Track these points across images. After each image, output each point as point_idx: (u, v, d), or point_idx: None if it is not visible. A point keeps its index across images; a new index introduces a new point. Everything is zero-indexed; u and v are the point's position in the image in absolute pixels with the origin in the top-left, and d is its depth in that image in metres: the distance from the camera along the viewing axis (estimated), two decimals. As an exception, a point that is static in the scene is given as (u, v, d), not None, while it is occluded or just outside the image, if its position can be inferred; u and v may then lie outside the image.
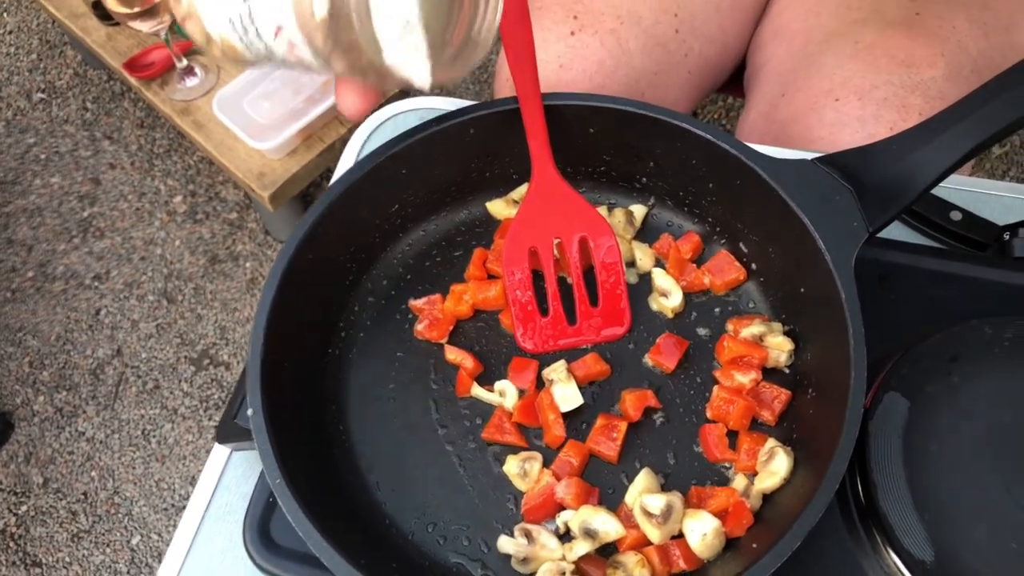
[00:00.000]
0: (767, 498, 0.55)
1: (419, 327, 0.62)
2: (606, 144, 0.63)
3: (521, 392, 0.59)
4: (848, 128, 0.84)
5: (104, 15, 1.65)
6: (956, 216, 0.69)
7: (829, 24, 0.91)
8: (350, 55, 0.39)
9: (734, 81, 1.06)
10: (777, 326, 0.60)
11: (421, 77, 0.39)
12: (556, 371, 0.58)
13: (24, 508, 1.59)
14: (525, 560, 0.54)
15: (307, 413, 0.58)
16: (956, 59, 0.86)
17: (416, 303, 0.63)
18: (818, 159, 0.58)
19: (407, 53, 0.38)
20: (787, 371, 0.59)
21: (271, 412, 0.52)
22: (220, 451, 0.65)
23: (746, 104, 0.99)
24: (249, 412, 0.52)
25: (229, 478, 0.64)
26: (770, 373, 0.59)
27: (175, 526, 1.52)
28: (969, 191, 0.71)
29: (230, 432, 0.61)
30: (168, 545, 1.51)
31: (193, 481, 1.58)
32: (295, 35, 0.38)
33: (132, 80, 1.64)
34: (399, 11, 0.37)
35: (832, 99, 0.85)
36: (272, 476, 0.50)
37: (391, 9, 0.37)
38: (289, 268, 0.57)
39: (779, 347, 0.58)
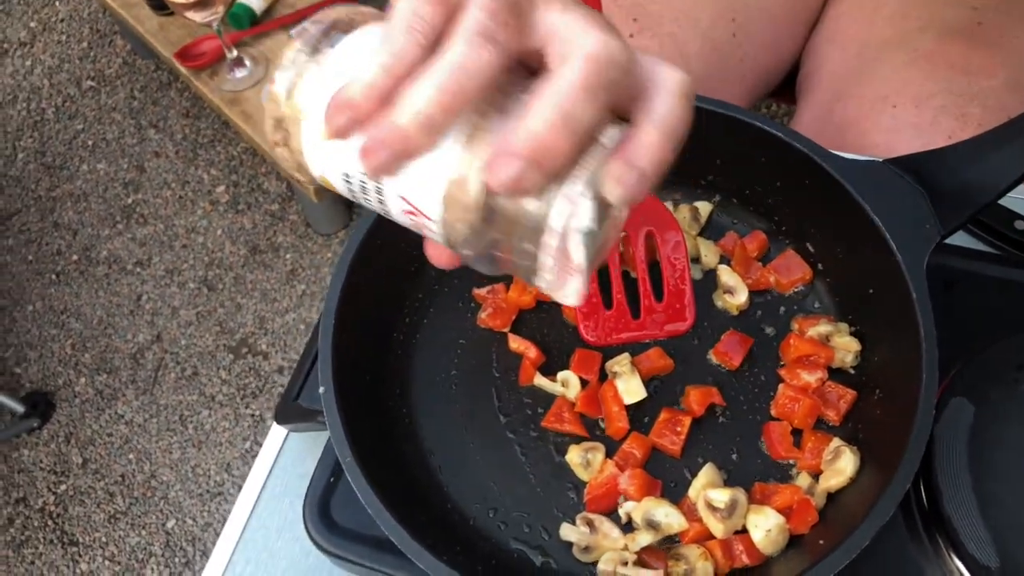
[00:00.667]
0: (830, 497, 0.55)
1: (482, 315, 0.63)
2: (674, 140, 0.63)
3: (584, 383, 0.59)
4: (904, 135, 0.83)
5: (157, 4, 1.68)
6: (1020, 225, 0.69)
7: (885, 31, 0.91)
8: (485, 259, 0.38)
9: (784, 87, 1.06)
10: (844, 326, 0.60)
11: (570, 300, 0.38)
12: (620, 364, 0.59)
13: (63, 487, 1.62)
14: (587, 549, 0.54)
15: (372, 395, 0.59)
16: (1017, 69, 0.85)
17: (480, 292, 0.64)
18: (889, 161, 0.58)
19: (565, 286, 0.37)
20: (853, 372, 0.59)
21: (340, 390, 0.53)
22: (277, 432, 0.66)
23: (798, 109, 0.99)
24: (321, 390, 0.53)
25: (286, 459, 0.65)
26: (835, 373, 0.59)
27: (210, 511, 1.55)
28: (1034, 201, 0.71)
29: (290, 413, 0.62)
30: (202, 530, 1.53)
31: (229, 468, 1.60)
32: (429, 223, 0.37)
33: (182, 69, 1.66)
34: (579, 261, 0.36)
35: (889, 105, 0.85)
36: (343, 454, 0.51)
37: (569, 257, 0.36)
38: (359, 253, 0.57)
39: (846, 347, 0.58)
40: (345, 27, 0.37)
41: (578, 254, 0.35)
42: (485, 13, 0.33)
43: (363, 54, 0.36)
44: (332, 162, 0.37)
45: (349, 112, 0.34)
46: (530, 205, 0.35)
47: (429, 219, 0.36)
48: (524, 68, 0.36)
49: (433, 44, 0.34)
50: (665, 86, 0.36)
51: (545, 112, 0.33)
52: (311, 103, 0.36)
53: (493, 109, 0.35)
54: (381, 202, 0.38)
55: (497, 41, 0.33)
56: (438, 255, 0.41)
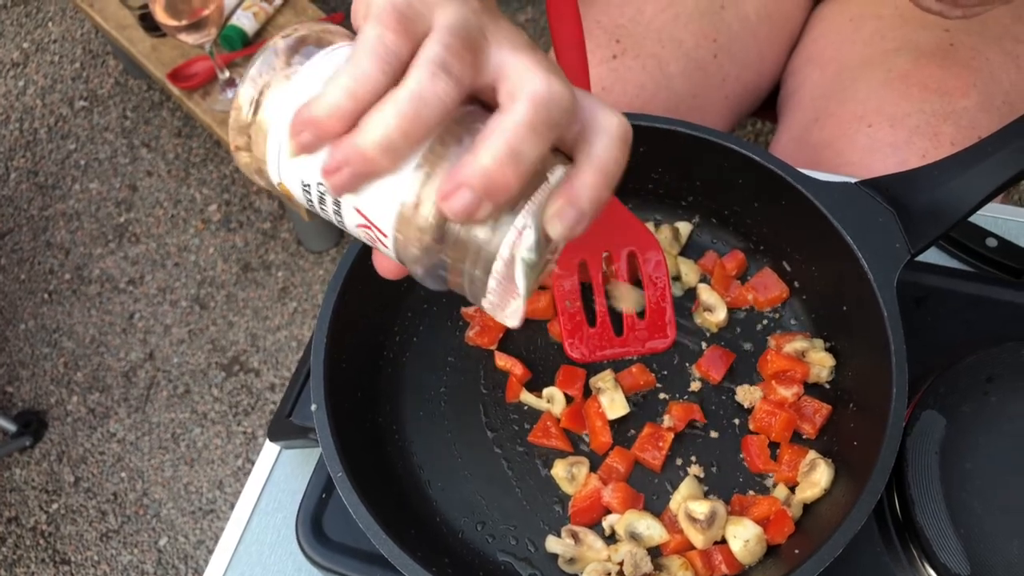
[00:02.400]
0: (807, 508, 0.56)
1: (470, 333, 0.64)
2: (655, 163, 0.65)
3: (569, 399, 0.61)
4: (880, 154, 0.85)
5: (150, 27, 1.70)
6: (991, 243, 0.71)
7: (863, 52, 0.93)
8: (432, 276, 0.40)
9: (766, 106, 1.08)
10: (819, 342, 0.62)
11: (512, 322, 0.41)
12: (604, 380, 0.61)
13: (55, 506, 1.62)
14: (572, 560, 0.56)
15: (363, 411, 0.60)
16: (988, 90, 0.87)
17: (468, 310, 0.65)
18: (861, 182, 0.60)
19: (506, 308, 0.40)
20: (828, 386, 0.61)
21: (332, 408, 0.55)
22: (270, 449, 0.68)
23: (778, 128, 1.01)
24: (313, 408, 0.54)
25: (278, 475, 0.67)
26: (811, 388, 0.61)
27: (202, 529, 1.55)
28: (1005, 219, 0.73)
29: (283, 430, 0.63)
30: (194, 548, 1.54)
31: (221, 485, 1.61)
32: (382, 238, 0.39)
33: (175, 90, 1.68)
34: (521, 287, 0.39)
35: (865, 125, 0.87)
36: (334, 470, 0.52)
37: (513, 282, 0.38)
38: (350, 273, 0.59)
39: (821, 363, 0.60)
40: (315, 44, 0.39)
41: (521, 280, 0.38)
42: (443, 47, 0.36)
43: (330, 73, 0.37)
44: (292, 172, 0.39)
45: (313, 129, 0.36)
46: (480, 232, 0.37)
47: (383, 235, 0.39)
48: (480, 103, 0.39)
49: (397, 72, 0.36)
50: (605, 129, 0.38)
51: (494, 147, 0.35)
52: (276, 115, 0.38)
53: (451, 138, 0.37)
54: (337, 213, 0.40)
55: (452, 74, 0.36)
56: (386, 266, 0.44)
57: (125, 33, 1.77)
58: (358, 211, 0.38)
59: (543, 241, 0.38)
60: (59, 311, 1.81)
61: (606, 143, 0.38)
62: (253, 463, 1.61)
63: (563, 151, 0.39)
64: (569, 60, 0.60)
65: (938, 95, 0.86)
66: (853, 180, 0.60)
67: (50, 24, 2.17)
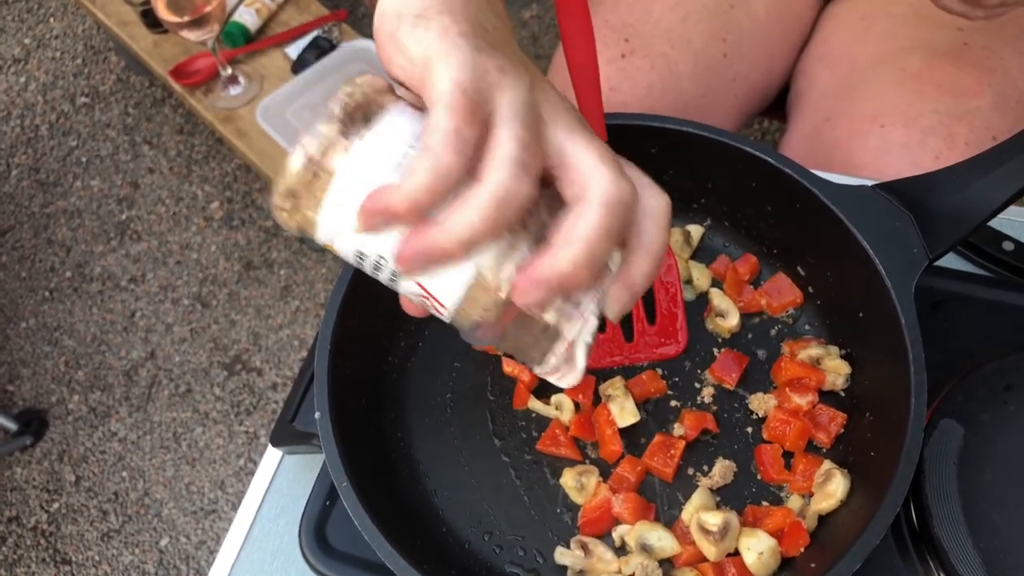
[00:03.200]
0: (822, 520, 0.55)
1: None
2: (666, 164, 0.64)
3: (577, 406, 0.60)
4: (893, 155, 0.84)
5: (152, 23, 1.69)
6: (1008, 246, 0.70)
7: (874, 51, 0.92)
8: (488, 339, 0.41)
9: (776, 105, 1.07)
10: (834, 349, 0.60)
11: (564, 385, 0.44)
12: (614, 387, 0.59)
13: (56, 506, 1.61)
14: (581, 572, 0.54)
15: (368, 418, 0.59)
16: (1003, 90, 0.86)
17: (474, 315, 0.64)
18: (877, 186, 0.59)
19: (557, 374, 0.43)
20: (843, 394, 0.60)
21: (336, 415, 0.54)
22: (272, 454, 0.67)
23: (788, 127, 1.00)
24: (317, 415, 0.53)
25: (281, 480, 0.66)
26: (826, 396, 0.60)
27: (203, 529, 1.54)
28: (1022, 222, 0.71)
29: (286, 436, 0.62)
30: (196, 548, 1.53)
31: (223, 485, 1.60)
32: (440, 308, 0.40)
33: (177, 87, 1.67)
34: (581, 365, 0.42)
35: (877, 125, 0.86)
36: (339, 479, 0.51)
37: (572, 359, 0.41)
38: (354, 278, 0.58)
39: (836, 370, 0.59)
40: (369, 108, 0.39)
41: (582, 358, 0.41)
42: (519, 144, 0.37)
43: (394, 147, 0.38)
44: (349, 241, 0.39)
45: (389, 217, 0.37)
46: (548, 317, 0.40)
47: (442, 306, 0.40)
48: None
49: (471, 160, 0.37)
50: (654, 215, 0.41)
51: (573, 252, 0.37)
52: (337, 188, 0.38)
53: (517, 223, 0.38)
54: (392, 281, 0.41)
55: (530, 171, 0.37)
56: (413, 308, 0.45)
57: (127, 29, 1.76)
58: (419, 284, 0.40)
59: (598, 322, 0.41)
60: (60, 309, 1.80)
61: (656, 228, 0.41)
62: (255, 463, 1.60)
63: None
64: (578, 58, 0.58)
65: (952, 95, 0.84)
66: (869, 183, 0.59)
67: (52, 20, 2.16)
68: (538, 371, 0.43)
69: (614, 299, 0.40)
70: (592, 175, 0.38)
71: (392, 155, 0.38)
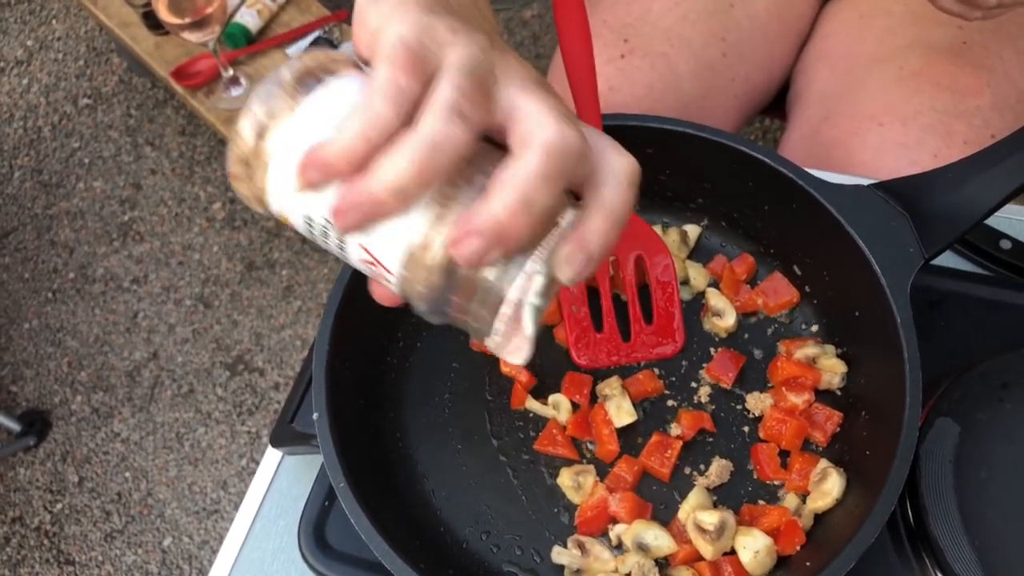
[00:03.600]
0: (818, 518, 0.55)
1: (475, 339, 0.63)
2: (663, 165, 0.64)
3: (575, 406, 0.60)
4: (891, 153, 0.84)
5: (154, 24, 1.69)
6: (1005, 245, 0.70)
7: (873, 50, 0.92)
8: (436, 313, 0.40)
9: (775, 104, 1.07)
10: (830, 348, 0.60)
11: (516, 360, 0.41)
12: (611, 386, 0.60)
13: (59, 506, 1.62)
14: (578, 571, 0.55)
15: (366, 419, 0.59)
16: (1002, 88, 0.86)
17: (472, 316, 0.64)
18: (874, 185, 0.59)
19: (510, 347, 0.40)
20: (839, 393, 0.60)
21: (334, 416, 0.54)
22: (273, 454, 0.67)
23: (788, 126, 1.00)
24: (315, 416, 0.54)
25: (281, 481, 0.66)
26: (822, 395, 0.60)
27: (206, 529, 1.55)
28: (1019, 220, 0.72)
29: (286, 436, 0.62)
30: (199, 548, 1.53)
31: (225, 485, 1.60)
32: (387, 274, 0.39)
33: (178, 88, 1.67)
34: (529, 330, 0.39)
35: (876, 124, 0.86)
36: (337, 480, 0.52)
37: (519, 324, 0.39)
38: (353, 278, 0.58)
39: (832, 369, 0.59)
40: (320, 75, 0.38)
41: (529, 323, 0.38)
42: (457, 91, 0.35)
43: (337, 107, 0.37)
44: (295, 205, 0.38)
45: (324, 170, 0.36)
46: (488, 274, 0.37)
47: (388, 272, 0.38)
48: (487, 139, 0.38)
49: (410, 113, 0.35)
50: (615, 173, 0.39)
51: (507, 196, 0.35)
52: (281, 148, 0.37)
53: (460, 178, 0.37)
54: (340, 248, 0.39)
55: (467, 117, 0.35)
56: (383, 295, 0.43)
57: (129, 31, 1.76)
58: (363, 248, 0.38)
59: (550, 285, 0.38)
60: (63, 310, 1.80)
61: (615, 187, 0.38)
62: (257, 463, 1.60)
63: (572, 191, 0.39)
64: (576, 59, 0.59)
65: (951, 93, 0.84)
66: (865, 182, 0.59)
67: (54, 22, 2.17)
68: (490, 346, 0.41)
69: (564, 258, 0.37)
70: (536, 122, 0.36)
71: (336, 114, 0.37)
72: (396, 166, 0.35)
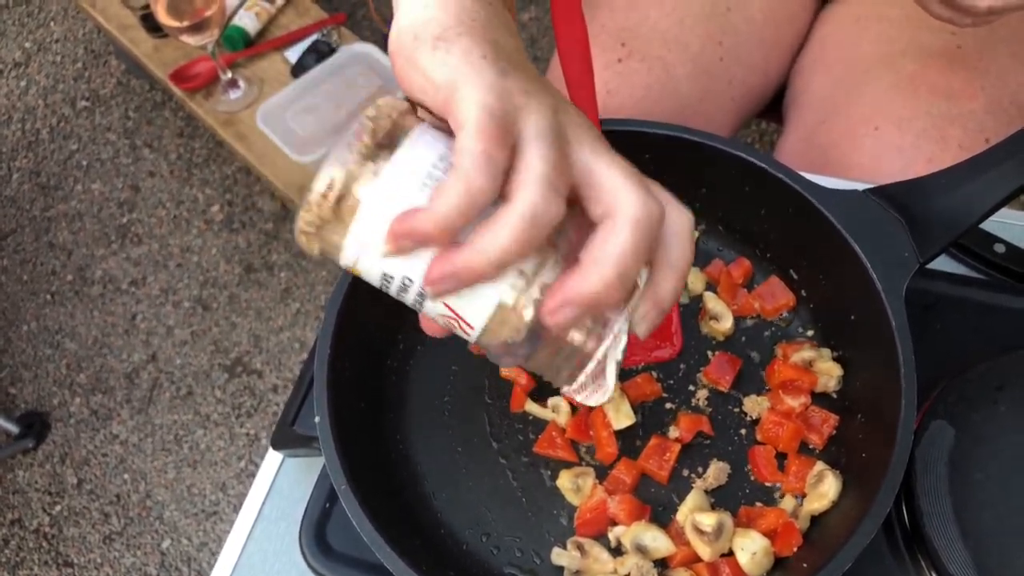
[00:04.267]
0: (814, 520, 0.56)
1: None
2: (660, 170, 0.63)
3: (574, 409, 0.61)
4: (887, 157, 0.85)
5: (152, 27, 1.69)
6: (1000, 248, 0.70)
7: (869, 54, 0.92)
8: (514, 359, 0.42)
9: (772, 107, 1.08)
10: (826, 352, 0.61)
11: (592, 403, 0.44)
12: (609, 389, 0.60)
13: (58, 508, 1.62)
14: (578, 573, 0.55)
15: (367, 422, 0.60)
16: (996, 91, 0.87)
17: (472, 319, 0.65)
18: (869, 190, 0.59)
19: (585, 392, 0.43)
20: (835, 396, 0.60)
21: (335, 419, 0.54)
22: (273, 456, 0.67)
23: (784, 129, 1.01)
24: (316, 419, 0.54)
25: (282, 483, 0.66)
26: (819, 398, 0.60)
27: (205, 531, 1.55)
28: (1013, 224, 0.72)
29: (287, 439, 0.63)
30: (197, 550, 1.54)
31: (224, 487, 1.60)
32: (468, 329, 0.40)
33: (177, 91, 1.68)
34: (611, 383, 0.42)
35: (871, 128, 0.86)
36: (339, 482, 0.52)
37: (602, 377, 0.42)
38: (354, 282, 0.59)
39: (828, 372, 0.60)
40: (395, 134, 0.39)
41: (612, 376, 0.41)
42: (547, 164, 0.37)
43: (421, 171, 0.38)
44: (375, 264, 0.39)
45: (420, 239, 0.37)
46: (577, 336, 0.40)
47: (470, 328, 0.40)
48: None
49: (501, 183, 0.37)
50: (678, 232, 0.41)
51: (604, 271, 0.37)
52: (366, 213, 0.38)
53: (546, 243, 0.39)
54: (418, 303, 0.41)
55: (559, 191, 0.37)
56: (432, 328, 0.45)
57: (127, 34, 1.76)
58: (447, 306, 0.40)
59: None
60: (61, 312, 1.81)
61: (681, 245, 0.41)
62: (256, 465, 1.60)
63: None
64: (573, 62, 0.59)
65: (945, 98, 0.85)
66: (861, 187, 0.60)
67: (52, 24, 2.17)
68: (566, 390, 0.43)
69: (642, 317, 0.41)
70: (620, 194, 0.38)
71: (418, 177, 0.38)
72: (498, 239, 0.36)
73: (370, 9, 1.95)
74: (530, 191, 0.36)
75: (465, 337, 0.41)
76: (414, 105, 0.41)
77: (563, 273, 0.39)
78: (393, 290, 0.40)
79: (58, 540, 1.59)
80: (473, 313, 0.39)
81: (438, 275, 0.37)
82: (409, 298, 0.40)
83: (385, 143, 0.38)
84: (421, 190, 0.38)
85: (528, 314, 0.38)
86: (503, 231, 0.36)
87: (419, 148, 0.39)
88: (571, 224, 0.39)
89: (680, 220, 0.42)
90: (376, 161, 0.38)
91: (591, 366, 0.41)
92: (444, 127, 0.40)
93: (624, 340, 0.40)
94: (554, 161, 0.37)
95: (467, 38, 0.39)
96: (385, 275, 0.39)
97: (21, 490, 1.64)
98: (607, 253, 0.37)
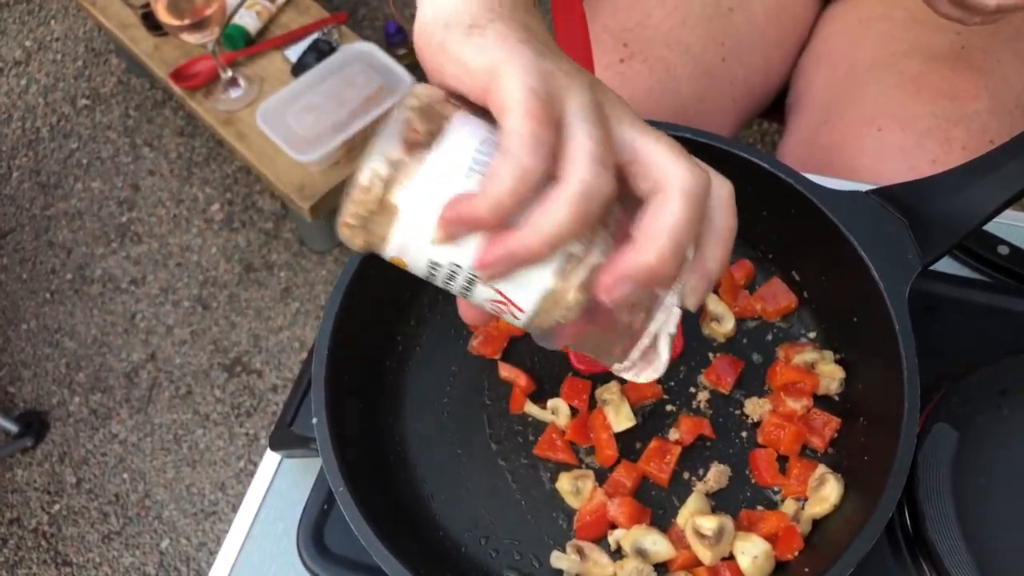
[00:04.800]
0: (816, 523, 0.55)
1: (474, 343, 0.64)
2: (662, 170, 0.64)
3: (574, 411, 0.60)
4: (890, 158, 0.84)
5: (153, 25, 1.69)
6: (1003, 250, 0.70)
7: (872, 54, 0.92)
8: (569, 341, 0.42)
9: (774, 107, 1.07)
10: (828, 354, 0.61)
11: (643, 380, 0.43)
12: (610, 391, 0.60)
13: (57, 507, 1.62)
14: (577, 576, 0.55)
15: (365, 423, 0.59)
16: (1000, 93, 0.86)
17: (471, 320, 0.64)
18: (872, 191, 0.59)
19: (636, 369, 0.43)
20: (837, 399, 0.60)
21: (333, 420, 0.54)
22: (271, 457, 0.67)
23: (786, 130, 1.00)
24: (314, 420, 0.54)
25: (280, 484, 0.66)
26: (821, 400, 0.60)
27: (204, 531, 1.55)
28: (1017, 226, 0.72)
29: (285, 440, 0.62)
30: (196, 550, 1.53)
31: (223, 487, 1.60)
32: (517, 312, 0.40)
33: (177, 89, 1.67)
34: (664, 357, 0.42)
35: (875, 128, 0.86)
36: (336, 484, 0.52)
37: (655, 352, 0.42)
38: (352, 283, 0.58)
39: (830, 375, 0.59)
40: (434, 122, 0.39)
41: (665, 350, 0.41)
42: (594, 141, 0.37)
43: (466, 157, 0.38)
44: (423, 253, 0.39)
45: (472, 224, 0.37)
46: (629, 314, 0.40)
47: (520, 311, 0.40)
48: None
49: (550, 162, 0.37)
50: (722, 199, 0.41)
51: (659, 245, 0.37)
52: (413, 202, 0.38)
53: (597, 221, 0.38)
54: (465, 289, 0.40)
55: (608, 166, 0.37)
56: (472, 316, 0.45)
57: (127, 32, 1.76)
58: (497, 291, 0.39)
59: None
60: (61, 311, 1.80)
61: (725, 212, 0.41)
62: (255, 465, 1.60)
63: None
64: (573, 52, 0.59)
65: (949, 98, 0.85)
66: (864, 188, 0.59)
67: (53, 22, 2.17)
68: (617, 368, 0.43)
69: (692, 289, 0.41)
70: (669, 167, 0.38)
71: (464, 163, 0.38)
72: (553, 218, 0.36)
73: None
74: (581, 168, 0.36)
75: (514, 322, 0.41)
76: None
77: (615, 251, 0.38)
78: (440, 278, 0.40)
79: (57, 539, 1.59)
80: (524, 296, 0.39)
81: (492, 258, 0.37)
82: (456, 285, 0.40)
83: (426, 132, 0.38)
84: (468, 176, 0.37)
85: (579, 295, 0.38)
86: (557, 209, 0.36)
87: (462, 134, 0.38)
88: (618, 203, 0.39)
89: (723, 190, 0.41)
90: (420, 150, 0.38)
91: (644, 342, 0.40)
92: (480, 113, 0.40)
93: (676, 314, 0.40)
94: (600, 138, 0.37)
95: (500, 23, 0.40)
96: (432, 263, 0.39)
97: (20, 489, 1.64)
98: (661, 226, 0.37)
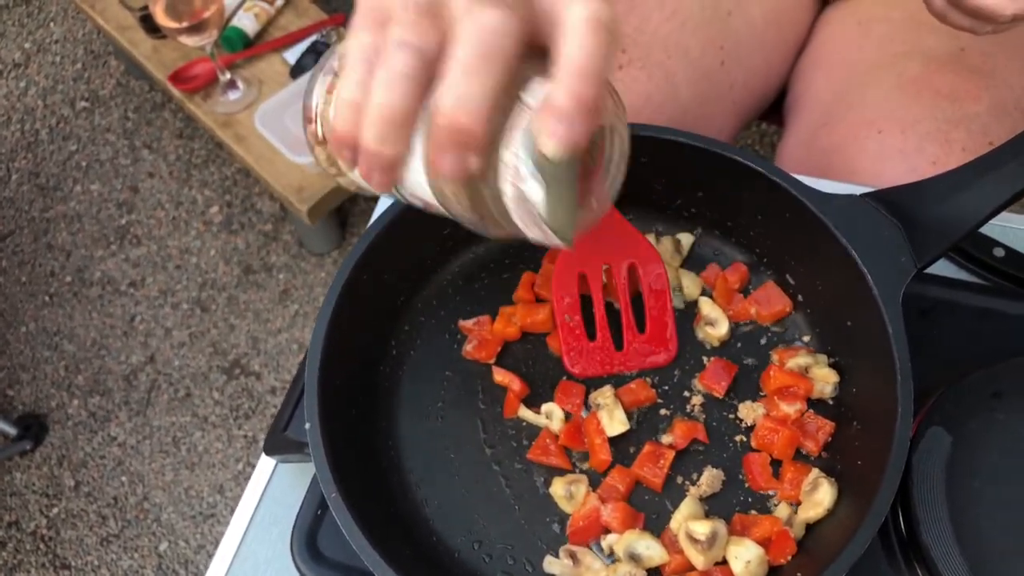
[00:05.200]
0: (809, 528, 0.55)
1: (468, 347, 0.63)
2: (657, 173, 0.64)
3: (567, 415, 0.60)
4: (890, 161, 0.84)
5: (151, 28, 1.69)
6: (999, 252, 0.70)
7: (872, 56, 0.92)
8: (486, 227, 0.42)
9: (773, 109, 1.07)
10: (822, 358, 0.60)
11: (559, 244, 0.41)
12: (603, 396, 0.60)
13: (55, 510, 1.62)
14: (570, 581, 0.55)
15: (358, 428, 0.59)
16: (1000, 93, 0.86)
17: (465, 323, 0.64)
18: (867, 195, 0.59)
19: (538, 234, 0.41)
20: (831, 402, 0.60)
21: (326, 426, 0.54)
22: (266, 462, 0.67)
23: (785, 132, 1.00)
24: (307, 426, 0.54)
25: (275, 489, 0.66)
26: (815, 404, 0.60)
27: (202, 534, 1.55)
28: (1013, 228, 0.72)
29: (279, 444, 0.62)
30: (195, 552, 1.53)
31: (222, 490, 1.60)
32: (440, 210, 0.42)
33: (175, 92, 1.67)
34: (542, 209, 0.39)
35: (875, 131, 0.86)
36: (328, 489, 0.52)
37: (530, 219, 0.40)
38: (346, 287, 0.58)
39: (824, 379, 0.59)
40: None
41: (542, 206, 0.37)
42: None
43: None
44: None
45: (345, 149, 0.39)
46: (481, 183, 0.38)
47: (439, 207, 0.41)
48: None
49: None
50: (573, 24, 0.35)
51: (442, 102, 0.34)
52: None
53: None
54: (409, 200, 0.43)
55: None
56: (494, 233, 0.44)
57: (126, 34, 1.76)
58: (415, 196, 0.42)
59: (545, 161, 0.36)
60: (60, 314, 1.80)
61: (578, 39, 0.35)
62: (254, 467, 1.60)
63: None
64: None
65: (949, 101, 0.84)
66: (859, 191, 0.59)
67: (52, 25, 2.17)
68: (531, 239, 0.41)
69: (542, 132, 0.36)
70: (461, 15, 0.36)
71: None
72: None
73: None
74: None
75: (450, 216, 0.42)
76: None
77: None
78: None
79: (55, 542, 1.59)
80: (424, 194, 0.41)
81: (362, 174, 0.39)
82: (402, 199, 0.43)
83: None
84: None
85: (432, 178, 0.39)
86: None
87: None
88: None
89: (578, 10, 0.36)
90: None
91: (510, 204, 0.38)
92: None
93: (528, 165, 0.37)
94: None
95: None
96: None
97: (18, 492, 1.64)
98: (443, 84, 0.35)
